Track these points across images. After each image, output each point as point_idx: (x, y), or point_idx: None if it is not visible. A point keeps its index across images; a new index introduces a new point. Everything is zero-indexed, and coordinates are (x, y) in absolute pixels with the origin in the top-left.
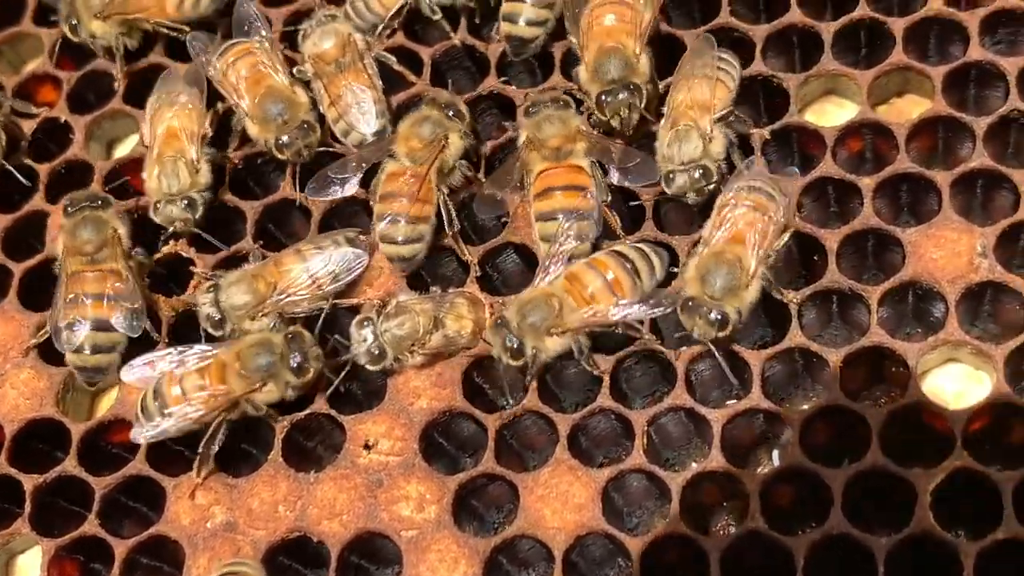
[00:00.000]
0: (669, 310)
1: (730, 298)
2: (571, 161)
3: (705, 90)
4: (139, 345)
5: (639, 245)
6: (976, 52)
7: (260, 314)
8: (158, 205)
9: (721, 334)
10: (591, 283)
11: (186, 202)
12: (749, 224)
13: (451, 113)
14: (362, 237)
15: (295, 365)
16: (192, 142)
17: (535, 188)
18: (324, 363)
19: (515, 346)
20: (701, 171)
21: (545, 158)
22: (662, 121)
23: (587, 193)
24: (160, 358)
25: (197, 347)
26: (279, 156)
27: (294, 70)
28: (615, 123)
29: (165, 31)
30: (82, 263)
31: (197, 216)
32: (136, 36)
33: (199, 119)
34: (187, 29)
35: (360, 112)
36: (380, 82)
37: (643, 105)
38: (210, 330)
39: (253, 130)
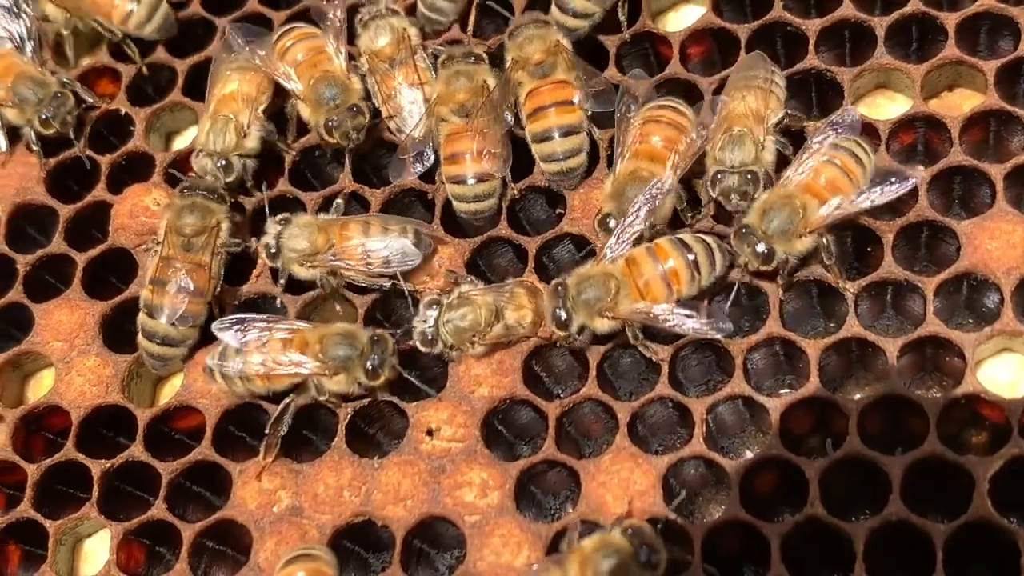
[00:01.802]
0: (721, 336)
1: (781, 240)
2: (557, 76)
3: (759, 100)
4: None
5: (704, 237)
6: None
7: (310, 265)
8: (199, 154)
9: (763, 267)
10: (647, 271)
11: (223, 163)
12: (829, 180)
13: (473, 59)
14: (428, 236)
15: (370, 367)
16: (247, 106)
17: (527, 108)
18: (396, 375)
19: (563, 318)
20: (751, 176)
21: (532, 75)
22: (713, 125)
23: (578, 107)
24: (252, 321)
25: (288, 322)
26: (328, 138)
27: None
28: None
29: (107, 34)
30: (177, 248)
31: (230, 179)
32: (85, 30)
33: (259, 86)
34: (119, 35)
35: (410, 115)
36: (433, 75)
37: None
38: (264, 258)
39: (305, 112)
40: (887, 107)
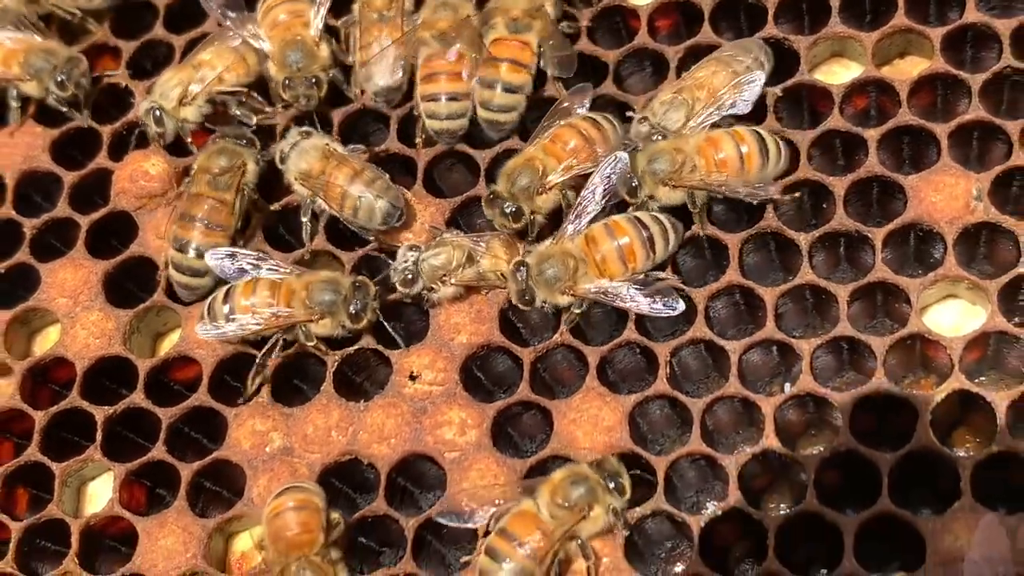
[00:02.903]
0: (675, 313)
1: (651, 183)
2: (524, 37)
3: (724, 82)
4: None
5: (659, 216)
6: (972, 15)
7: (302, 183)
8: (148, 95)
9: (629, 198)
10: (604, 246)
11: (157, 114)
12: (724, 159)
13: None
14: (403, 209)
15: (353, 311)
16: (202, 81)
17: (486, 52)
18: (378, 317)
19: (528, 297)
20: (660, 137)
21: (506, 26)
22: (673, 77)
23: (526, 71)
24: (244, 254)
25: (275, 261)
26: (283, 96)
27: (341, 21)
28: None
29: (60, 12)
30: (204, 185)
31: (157, 130)
32: (37, 10)
33: (228, 65)
34: (78, 13)
35: (381, 62)
36: None
37: (518, 223)
38: (277, 157)
39: (272, 70)
40: (843, 74)
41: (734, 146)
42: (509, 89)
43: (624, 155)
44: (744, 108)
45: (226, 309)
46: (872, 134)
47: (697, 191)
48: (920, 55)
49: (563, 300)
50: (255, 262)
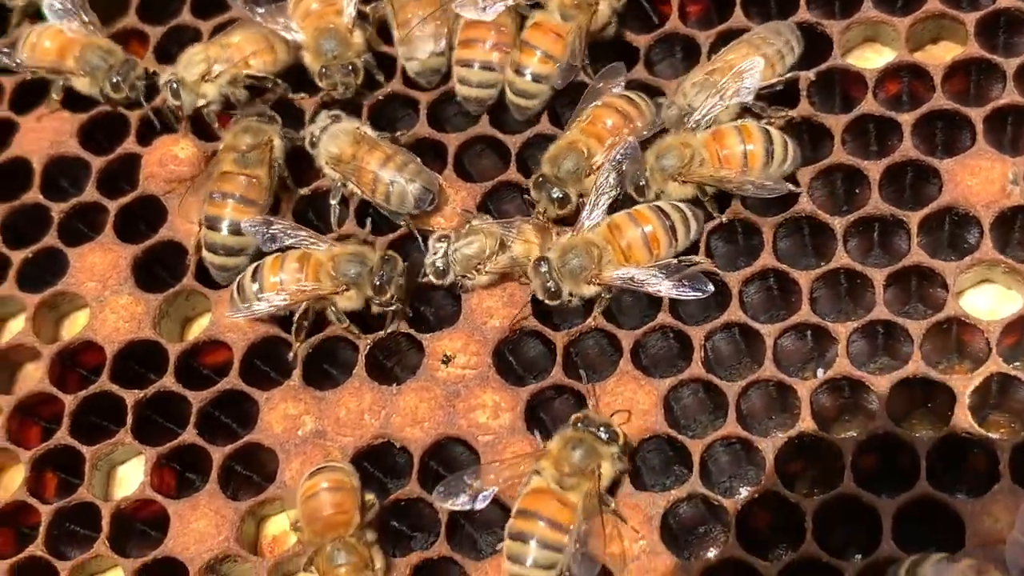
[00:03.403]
0: (704, 296)
1: (659, 178)
2: (564, 28)
3: None
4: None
5: (680, 205)
6: (1006, 0)
7: (333, 166)
8: (168, 69)
9: (636, 196)
10: (628, 233)
11: (174, 87)
12: (727, 155)
13: None
14: (436, 193)
15: (377, 283)
16: (228, 61)
17: (523, 35)
18: (402, 292)
19: (553, 289)
20: (687, 118)
21: (551, 11)
22: (704, 59)
23: (555, 63)
24: (279, 222)
25: (307, 232)
26: (319, 84)
27: (371, 7)
28: (539, 206)
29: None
30: (234, 163)
31: (173, 102)
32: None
33: (255, 50)
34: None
35: (420, 37)
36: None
37: (563, 209)
38: (305, 144)
39: (307, 59)
40: (875, 60)
41: (739, 142)
42: (536, 79)
43: (635, 141)
44: (747, 96)
45: (255, 287)
46: (906, 118)
47: (707, 185)
48: (953, 40)
49: (589, 290)
50: (289, 231)
